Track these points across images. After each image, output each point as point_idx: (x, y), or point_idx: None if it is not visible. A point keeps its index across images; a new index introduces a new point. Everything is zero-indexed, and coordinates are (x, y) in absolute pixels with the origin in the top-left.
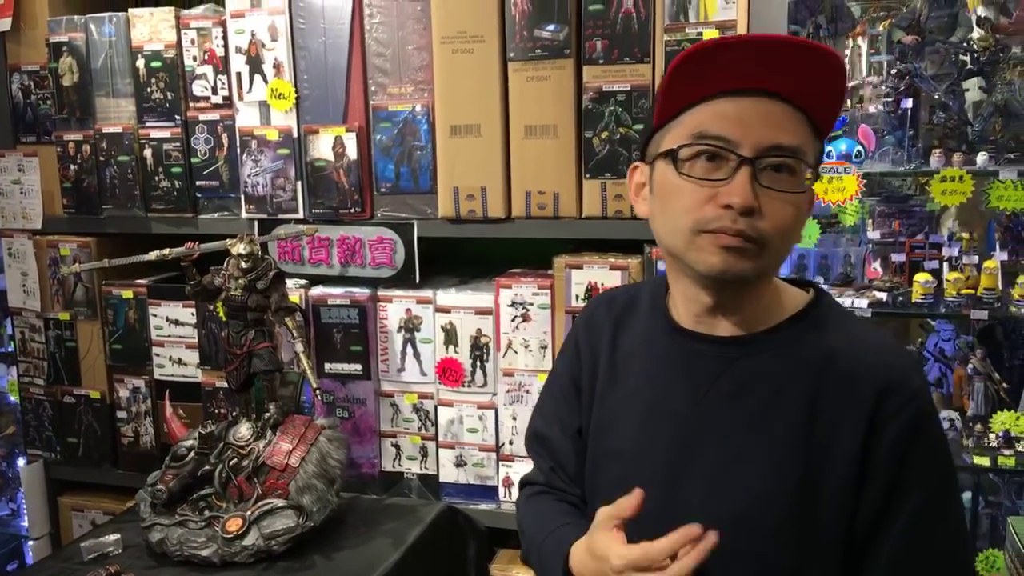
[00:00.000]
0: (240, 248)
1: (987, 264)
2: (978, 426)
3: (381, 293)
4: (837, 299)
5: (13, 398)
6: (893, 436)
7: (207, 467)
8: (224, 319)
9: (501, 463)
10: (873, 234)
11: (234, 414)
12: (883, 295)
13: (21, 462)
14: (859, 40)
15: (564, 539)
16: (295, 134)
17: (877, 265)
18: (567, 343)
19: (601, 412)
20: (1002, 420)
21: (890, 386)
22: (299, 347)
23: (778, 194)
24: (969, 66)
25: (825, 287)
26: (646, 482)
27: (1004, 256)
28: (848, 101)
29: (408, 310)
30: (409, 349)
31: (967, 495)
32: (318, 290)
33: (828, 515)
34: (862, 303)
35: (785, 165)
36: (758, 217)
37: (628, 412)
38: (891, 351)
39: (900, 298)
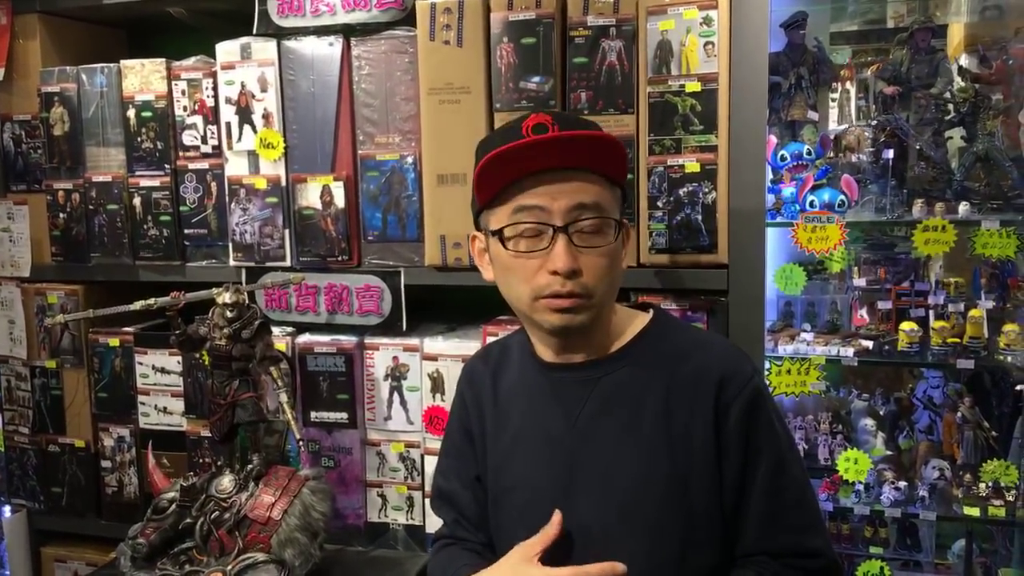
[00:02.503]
0: (226, 297)
1: (972, 313)
2: (967, 476)
3: (368, 341)
4: (824, 348)
5: None
6: (736, 416)
7: (188, 520)
8: (209, 368)
9: None
10: (859, 281)
11: (219, 464)
12: (869, 344)
13: (7, 511)
14: (848, 84)
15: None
16: (283, 183)
17: (864, 312)
18: (455, 401)
19: (494, 455)
20: (991, 470)
21: (725, 376)
22: (283, 397)
23: (593, 250)
24: (950, 116)
25: (811, 335)
26: (543, 508)
27: (989, 304)
28: (832, 150)
29: (395, 358)
30: (396, 397)
31: (960, 543)
32: (304, 338)
33: (701, 499)
34: (848, 352)
35: (593, 226)
36: (582, 275)
37: (517, 449)
38: (722, 348)
39: (886, 347)
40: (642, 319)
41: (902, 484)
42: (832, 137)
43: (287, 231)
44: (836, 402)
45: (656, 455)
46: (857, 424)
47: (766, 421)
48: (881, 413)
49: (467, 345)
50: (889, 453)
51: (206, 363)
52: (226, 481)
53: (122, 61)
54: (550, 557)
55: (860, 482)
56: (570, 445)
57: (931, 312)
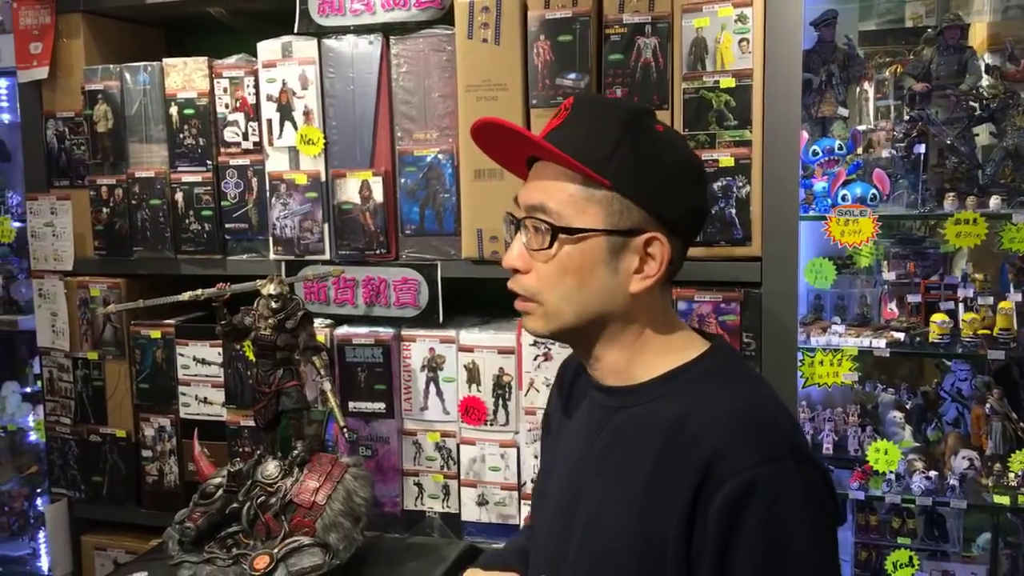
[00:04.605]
0: (270, 289)
1: (1002, 305)
2: (997, 465)
3: (405, 333)
4: (856, 339)
5: (36, 437)
6: (719, 505)
7: (235, 504)
8: (253, 358)
9: (523, 502)
10: (889, 275)
11: (258, 453)
12: (901, 335)
13: (40, 502)
14: (866, 85)
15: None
16: (323, 178)
17: (893, 306)
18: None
19: (548, 455)
20: (1021, 460)
21: (720, 452)
22: (327, 385)
23: (536, 254)
24: (979, 112)
25: (842, 327)
26: (555, 525)
27: (1019, 297)
28: (859, 147)
29: (431, 349)
30: (432, 388)
31: (985, 536)
32: (343, 330)
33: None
34: (880, 343)
35: (534, 227)
36: (528, 276)
37: (560, 456)
38: (741, 417)
39: (917, 338)
40: (693, 351)
41: (932, 474)
42: (862, 132)
43: (326, 225)
44: (863, 396)
45: (637, 515)
46: (885, 417)
47: (759, 521)
48: (908, 407)
49: (502, 337)
50: (917, 444)
51: (248, 354)
52: (271, 467)
53: (165, 59)
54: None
55: (891, 471)
56: (582, 471)
57: (961, 305)
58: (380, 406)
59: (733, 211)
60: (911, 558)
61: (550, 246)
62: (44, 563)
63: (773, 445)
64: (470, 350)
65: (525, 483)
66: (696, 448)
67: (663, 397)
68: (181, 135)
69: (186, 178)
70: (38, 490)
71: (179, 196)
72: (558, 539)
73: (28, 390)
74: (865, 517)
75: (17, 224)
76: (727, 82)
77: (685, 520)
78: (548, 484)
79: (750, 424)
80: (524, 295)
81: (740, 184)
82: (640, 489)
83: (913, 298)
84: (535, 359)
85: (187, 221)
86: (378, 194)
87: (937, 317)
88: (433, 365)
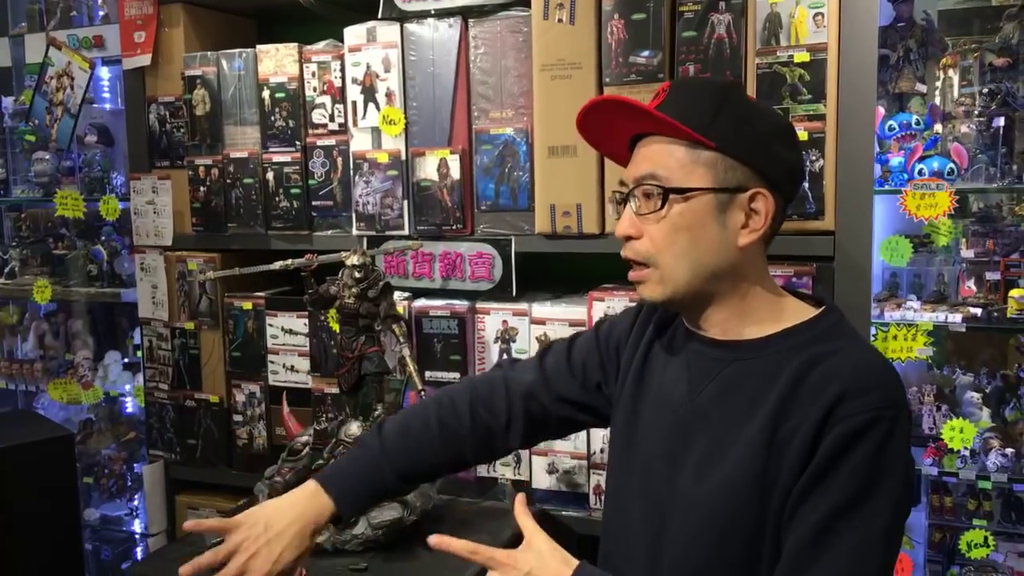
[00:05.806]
0: (354, 259)
1: None
2: None
3: (479, 305)
4: (930, 315)
5: (135, 404)
6: (835, 436)
7: (320, 461)
8: (337, 327)
9: (592, 471)
10: (967, 253)
11: (340, 418)
12: (978, 311)
13: (137, 467)
14: (950, 72)
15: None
16: (403, 156)
17: (971, 284)
18: (634, 307)
19: (625, 393)
20: None
21: (848, 393)
22: (406, 351)
23: (646, 218)
24: None
25: (917, 303)
26: (654, 460)
27: None
28: (939, 125)
29: (504, 322)
30: (505, 359)
31: None
32: (420, 302)
33: (776, 510)
34: (956, 318)
35: (644, 193)
36: (641, 241)
37: (647, 398)
38: (866, 367)
39: (995, 314)
40: (804, 313)
41: (1009, 451)
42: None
43: (406, 202)
44: (940, 379)
45: (753, 455)
46: (962, 398)
47: (866, 456)
48: (987, 390)
49: (574, 310)
50: (994, 425)
51: (332, 325)
52: (354, 427)
53: (258, 46)
54: (624, 515)
55: (966, 448)
56: (685, 417)
57: None
58: (455, 376)
59: (806, 185)
60: (986, 538)
61: (662, 207)
62: (138, 525)
63: (892, 395)
64: (542, 323)
65: (594, 453)
66: (823, 391)
67: (788, 349)
68: (272, 117)
69: (276, 158)
70: (133, 455)
71: (270, 175)
72: (664, 479)
73: (127, 360)
74: (940, 499)
75: (121, 204)
76: (801, 56)
77: (806, 452)
78: (632, 421)
79: (874, 375)
80: (638, 260)
81: (813, 158)
82: (758, 429)
83: (992, 276)
84: None
85: (277, 199)
86: (455, 171)
87: (1016, 292)
88: (506, 337)
